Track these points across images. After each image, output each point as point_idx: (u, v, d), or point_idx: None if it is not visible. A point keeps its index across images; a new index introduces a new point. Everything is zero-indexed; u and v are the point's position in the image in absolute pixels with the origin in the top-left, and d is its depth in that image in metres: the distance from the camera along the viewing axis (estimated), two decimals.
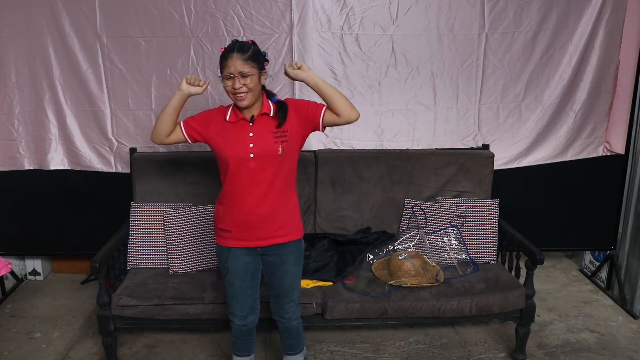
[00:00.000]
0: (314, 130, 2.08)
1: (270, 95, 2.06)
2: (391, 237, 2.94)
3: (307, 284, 2.58)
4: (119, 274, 2.70)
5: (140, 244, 2.78)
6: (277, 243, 2.07)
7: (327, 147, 3.09)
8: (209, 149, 2.09)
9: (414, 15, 2.91)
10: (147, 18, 2.85)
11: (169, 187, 2.92)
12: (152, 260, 2.77)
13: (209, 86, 2.11)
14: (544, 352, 2.73)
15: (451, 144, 3.12)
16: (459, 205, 2.92)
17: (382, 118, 3.06)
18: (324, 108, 2.03)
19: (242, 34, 2.86)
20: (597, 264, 3.44)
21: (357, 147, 3.09)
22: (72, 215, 3.12)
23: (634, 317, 3.04)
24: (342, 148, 3.09)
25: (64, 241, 3.18)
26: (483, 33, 2.96)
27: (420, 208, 2.95)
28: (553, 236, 3.28)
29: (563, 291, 3.36)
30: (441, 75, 3.01)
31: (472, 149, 3.12)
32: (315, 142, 3.06)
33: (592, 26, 2.97)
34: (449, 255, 2.79)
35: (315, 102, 2.06)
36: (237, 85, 1.92)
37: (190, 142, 2.09)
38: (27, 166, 3.07)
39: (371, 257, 2.79)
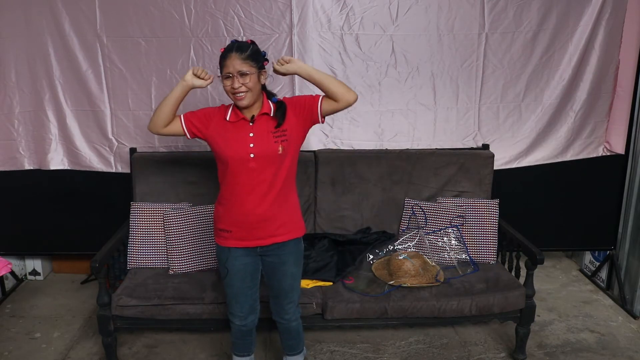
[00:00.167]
0: (313, 124, 2.06)
1: (270, 95, 2.06)
2: (391, 237, 2.94)
3: (307, 284, 2.58)
4: (119, 274, 2.70)
5: (140, 244, 2.78)
6: (277, 242, 2.06)
7: (327, 147, 3.09)
8: (208, 148, 2.09)
9: (414, 15, 2.91)
10: (147, 18, 2.85)
11: (169, 187, 2.92)
12: (152, 260, 2.77)
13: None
14: (544, 352, 2.73)
15: (451, 144, 3.12)
16: (459, 205, 2.92)
17: (382, 118, 3.06)
18: (320, 98, 2.01)
19: (242, 34, 2.86)
20: (597, 264, 3.44)
21: (357, 147, 3.09)
22: (72, 215, 3.12)
23: (634, 317, 3.04)
24: (342, 148, 3.09)
25: (64, 241, 3.18)
26: (483, 33, 2.96)
27: (420, 208, 2.95)
28: (553, 236, 3.28)
29: (563, 291, 3.36)
30: (441, 75, 3.02)
31: (472, 149, 3.12)
32: (315, 142, 3.06)
33: (592, 26, 2.97)
34: (449, 255, 2.79)
35: (310, 95, 2.05)
36: (236, 85, 1.92)
37: (189, 136, 2.08)
38: (27, 166, 3.07)
39: (371, 257, 2.79)
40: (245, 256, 2.09)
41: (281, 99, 2.07)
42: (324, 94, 2.02)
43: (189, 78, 2.01)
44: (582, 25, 2.98)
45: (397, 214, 3.01)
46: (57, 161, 3.06)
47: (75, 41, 2.88)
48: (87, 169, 3.07)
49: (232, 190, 2.02)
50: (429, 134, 3.11)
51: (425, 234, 2.85)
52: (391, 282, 2.58)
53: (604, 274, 3.38)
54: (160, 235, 2.77)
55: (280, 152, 1.97)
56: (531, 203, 3.22)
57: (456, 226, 2.86)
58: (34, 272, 3.42)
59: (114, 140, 3.04)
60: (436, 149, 3.09)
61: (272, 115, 2.01)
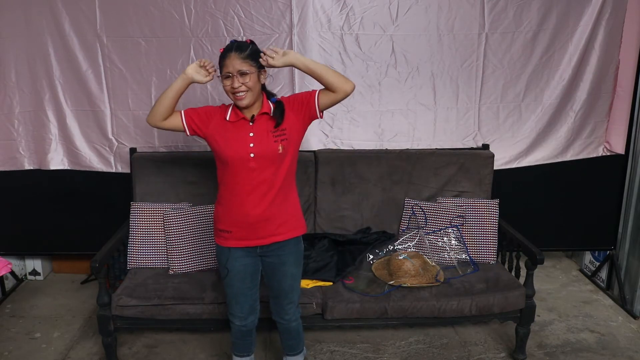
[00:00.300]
0: (312, 120, 2.05)
1: (270, 95, 2.06)
2: (391, 237, 2.94)
3: (307, 284, 2.58)
4: (119, 274, 2.70)
5: (140, 244, 2.78)
6: (278, 241, 2.06)
7: (327, 147, 3.09)
8: (208, 148, 2.08)
9: (414, 15, 2.91)
10: (147, 18, 2.85)
11: (169, 187, 2.92)
12: (152, 260, 2.77)
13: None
14: (544, 352, 2.73)
15: (451, 144, 3.12)
16: (459, 205, 2.92)
17: (382, 118, 3.06)
18: (317, 92, 2.00)
19: (242, 34, 2.86)
20: (597, 264, 3.44)
21: (357, 147, 3.09)
22: (72, 215, 3.12)
23: (634, 317, 3.04)
24: (342, 148, 3.09)
25: (64, 241, 3.18)
26: (483, 33, 2.96)
27: (420, 208, 2.95)
28: (553, 236, 3.28)
29: (563, 291, 3.36)
30: (441, 75, 3.02)
31: (472, 149, 3.12)
32: (315, 142, 3.06)
33: (592, 26, 2.97)
34: (449, 255, 2.79)
35: (306, 92, 2.04)
36: (236, 84, 1.92)
37: (188, 133, 2.06)
38: (27, 166, 3.07)
39: (371, 257, 2.79)
40: (245, 257, 2.09)
41: (280, 98, 2.07)
42: (319, 89, 2.00)
43: (190, 72, 1.99)
44: (582, 25, 2.98)
45: (397, 214, 3.01)
46: (57, 161, 3.06)
47: (75, 41, 2.88)
48: (87, 169, 3.07)
49: (232, 190, 2.02)
50: (429, 134, 3.11)
51: (425, 234, 2.85)
52: (391, 282, 2.58)
53: (604, 274, 3.38)
54: (160, 235, 2.77)
55: (280, 151, 1.97)
56: (531, 203, 3.22)
57: (456, 226, 2.86)
58: (34, 272, 3.42)
59: (114, 140, 3.04)
60: (436, 149, 3.09)
61: (271, 114, 2.01)
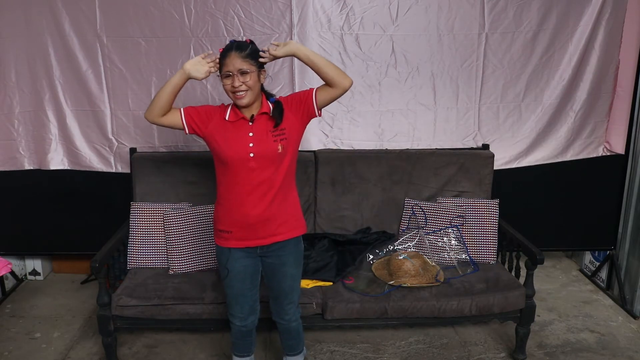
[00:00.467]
0: (311, 118, 2.05)
1: (268, 95, 2.06)
2: (391, 237, 2.94)
3: (307, 284, 2.58)
4: (119, 274, 2.70)
5: (140, 244, 2.78)
6: (278, 241, 2.06)
7: (327, 147, 3.09)
8: (208, 148, 2.08)
9: (414, 15, 2.91)
10: (147, 18, 2.85)
11: (169, 187, 2.92)
12: (152, 260, 2.77)
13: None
14: (544, 352, 2.73)
15: (451, 144, 3.12)
16: (459, 205, 2.92)
17: (382, 118, 3.06)
18: (314, 90, 2.00)
19: (242, 34, 2.86)
20: (597, 264, 3.44)
21: (357, 147, 3.09)
22: (72, 215, 3.12)
23: (634, 317, 3.04)
24: (342, 148, 3.09)
25: (64, 241, 3.18)
26: (483, 33, 2.96)
27: (420, 208, 2.95)
28: (553, 236, 3.28)
29: (563, 291, 3.36)
30: (441, 75, 3.02)
31: (472, 149, 3.12)
32: (315, 142, 3.06)
33: (592, 26, 2.97)
34: (449, 255, 2.79)
35: (304, 90, 2.04)
36: (237, 84, 1.91)
37: (187, 131, 2.05)
38: (27, 166, 3.07)
39: (371, 257, 2.79)
40: (245, 258, 2.09)
41: (278, 98, 2.07)
42: (316, 87, 2.00)
43: (188, 67, 1.97)
44: (582, 25, 2.98)
45: (397, 214, 3.01)
46: (57, 161, 3.06)
47: (75, 41, 2.88)
48: (87, 169, 3.07)
49: (232, 190, 2.02)
50: (429, 134, 3.11)
51: (425, 234, 2.85)
52: (391, 282, 2.58)
53: (604, 274, 3.37)
54: (160, 235, 2.77)
55: (279, 151, 1.97)
56: (531, 203, 3.22)
57: (456, 226, 2.86)
58: (34, 272, 3.42)
59: (114, 140, 3.04)
60: (436, 149, 3.09)
61: (270, 114, 2.01)
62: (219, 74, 1.98)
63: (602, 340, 2.83)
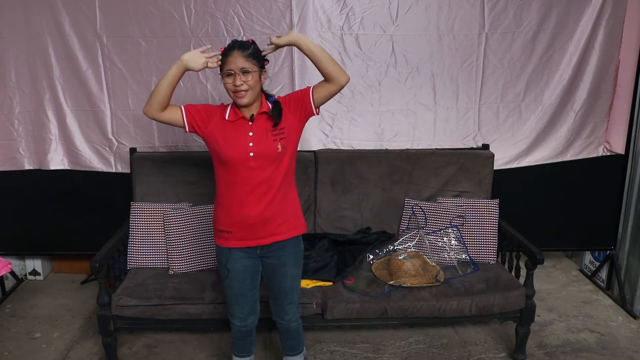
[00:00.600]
0: (309, 117, 2.05)
1: (267, 96, 2.06)
2: (391, 237, 2.94)
3: (307, 284, 2.58)
4: (119, 274, 2.70)
5: (140, 244, 2.78)
6: (279, 240, 2.06)
7: (327, 147, 3.09)
8: (207, 148, 2.08)
9: (414, 15, 2.91)
10: (147, 18, 2.85)
11: (169, 187, 2.92)
12: (152, 260, 2.77)
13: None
14: (544, 352, 2.73)
15: (451, 144, 3.12)
16: (459, 205, 2.92)
17: (382, 118, 3.06)
18: (311, 89, 2.00)
19: (242, 34, 2.86)
20: (597, 264, 3.44)
21: (357, 147, 3.09)
22: (72, 215, 3.12)
23: (634, 317, 3.04)
24: (342, 148, 3.09)
25: (64, 241, 3.18)
26: (483, 33, 2.96)
27: (420, 208, 2.95)
28: (553, 236, 3.28)
29: (563, 291, 3.36)
30: (441, 75, 3.02)
31: (472, 149, 3.12)
32: (315, 142, 3.06)
33: (592, 26, 2.97)
34: (449, 255, 2.79)
35: (300, 89, 2.05)
36: (238, 82, 1.91)
37: (187, 129, 2.04)
38: (27, 166, 3.07)
39: (371, 257, 2.79)
40: (245, 258, 2.09)
41: (277, 98, 2.07)
42: (313, 86, 2.01)
43: (186, 57, 1.96)
44: (582, 25, 2.98)
45: (397, 214, 3.01)
46: (57, 161, 3.06)
47: (75, 41, 2.88)
48: (87, 169, 3.07)
49: (232, 190, 2.02)
50: (429, 134, 3.10)
51: (425, 234, 2.85)
52: (391, 282, 2.58)
53: (604, 274, 3.37)
54: (160, 235, 2.77)
55: (279, 150, 1.97)
56: (531, 203, 3.22)
57: (456, 226, 2.86)
58: (34, 272, 3.42)
59: (114, 140, 3.04)
60: (436, 149, 3.09)
61: (270, 114, 2.01)
62: (220, 72, 1.98)
63: (602, 340, 2.83)
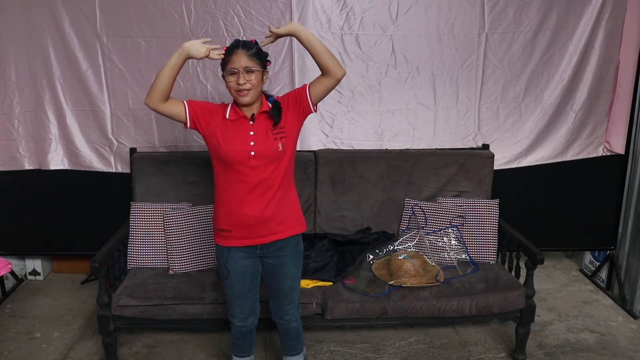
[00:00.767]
0: (307, 114, 2.05)
1: (267, 96, 2.06)
2: (391, 237, 2.94)
3: (307, 284, 2.58)
4: (119, 274, 2.70)
5: (140, 244, 2.78)
6: (279, 239, 2.06)
7: (327, 147, 3.09)
8: (207, 148, 2.08)
9: (414, 15, 2.91)
10: (147, 18, 2.85)
11: (169, 187, 2.92)
12: (152, 260, 2.77)
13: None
14: (544, 352, 2.73)
15: (451, 144, 3.12)
16: (459, 205, 2.92)
17: (382, 118, 3.06)
18: (307, 86, 2.00)
19: (242, 34, 2.86)
20: (597, 264, 3.44)
21: (357, 147, 3.09)
22: (72, 215, 3.12)
23: (634, 317, 3.04)
24: (342, 148, 3.09)
25: (64, 241, 3.18)
26: (483, 33, 2.96)
27: (420, 208, 2.95)
28: (553, 236, 3.28)
29: (563, 291, 3.36)
30: (441, 75, 3.02)
31: (472, 149, 3.12)
32: (315, 142, 3.06)
33: (592, 26, 2.97)
34: (449, 255, 2.79)
35: (297, 88, 2.05)
36: (242, 81, 1.91)
37: (188, 125, 2.02)
38: (27, 166, 3.07)
39: (371, 257, 2.79)
40: (245, 258, 2.09)
41: (276, 98, 2.07)
42: (309, 83, 2.01)
43: (188, 45, 1.94)
44: (582, 25, 2.98)
45: (397, 214, 3.01)
46: (57, 161, 3.06)
47: (75, 41, 2.88)
48: (87, 169, 3.07)
49: (231, 189, 2.01)
50: (429, 134, 3.11)
51: (425, 234, 2.85)
52: (391, 282, 2.57)
53: (604, 274, 3.37)
54: (160, 235, 2.77)
55: (280, 149, 1.98)
56: (531, 203, 3.22)
57: (456, 226, 2.86)
58: (34, 272, 3.42)
59: (114, 140, 3.04)
60: (436, 149, 3.09)
61: (270, 113, 2.01)
62: (222, 71, 1.97)
63: (602, 340, 2.83)
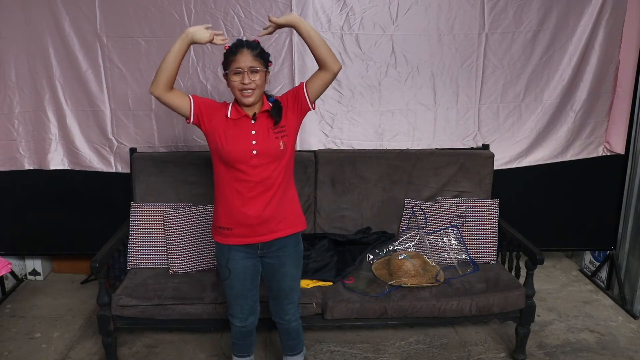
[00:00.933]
0: (305, 112, 2.05)
1: (267, 96, 2.07)
2: (391, 237, 2.94)
3: (307, 284, 2.58)
4: (119, 274, 2.70)
5: (140, 244, 2.78)
6: (279, 237, 2.06)
7: (327, 147, 3.09)
8: (208, 148, 2.08)
9: (414, 15, 2.91)
10: (147, 18, 2.85)
11: (169, 187, 2.92)
12: (152, 260, 2.77)
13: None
14: (544, 352, 2.73)
15: (451, 144, 3.12)
16: (459, 205, 2.92)
17: (382, 118, 3.06)
18: (304, 84, 2.00)
19: (242, 34, 2.86)
20: (597, 264, 3.44)
21: (357, 147, 3.09)
22: (72, 215, 3.12)
23: (634, 317, 3.04)
24: (342, 148, 3.09)
25: (64, 241, 3.18)
26: (483, 33, 2.96)
27: (420, 208, 2.95)
28: (553, 236, 3.28)
29: (563, 291, 3.36)
30: (441, 75, 3.02)
31: (472, 149, 3.12)
32: (315, 142, 3.06)
33: (592, 26, 2.97)
34: (449, 255, 2.79)
35: (295, 87, 2.05)
36: (247, 81, 1.91)
37: (191, 120, 2.01)
38: (27, 166, 3.07)
39: (371, 257, 2.79)
40: (245, 258, 2.09)
41: (276, 97, 2.08)
42: (306, 80, 2.00)
43: (191, 30, 1.92)
44: (582, 25, 2.98)
45: (397, 214, 3.01)
46: (57, 161, 3.06)
47: (75, 41, 2.88)
48: (87, 169, 3.07)
49: (232, 188, 2.01)
50: (429, 134, 3.11)
51: (425, 234, 2.85)
52: (391, 282, 2.57)
53: (604, 274, 3.37)
54: (160, 235, 2.77)
55: (281, 147, 1.98)
56: (531, 203, 3.22)
57: (456, 226, 2.86)
58: (34, 272, 3.42)
59: (114, 140, 3.04)
60: (436, 149, 3.10)
61: (270, 112, 2.01)
62: (225, 71, 1.97)
63: (602, 340, 2.83)
